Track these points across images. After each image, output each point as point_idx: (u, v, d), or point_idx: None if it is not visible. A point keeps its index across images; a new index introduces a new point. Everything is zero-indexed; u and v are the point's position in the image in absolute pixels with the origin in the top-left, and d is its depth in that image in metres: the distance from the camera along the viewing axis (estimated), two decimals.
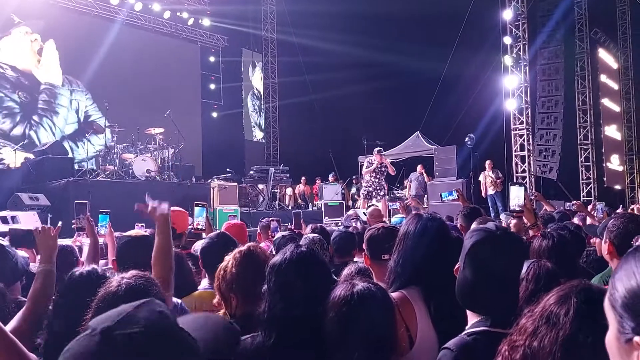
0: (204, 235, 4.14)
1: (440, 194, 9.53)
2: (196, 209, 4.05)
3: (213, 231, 3.95)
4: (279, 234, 3.98)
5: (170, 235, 2.26)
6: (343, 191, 14.12)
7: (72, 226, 3.64)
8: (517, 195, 3.47)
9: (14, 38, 12.97)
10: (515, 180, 14.02)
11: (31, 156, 10.76)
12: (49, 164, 9.66)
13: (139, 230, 2.88)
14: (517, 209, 3.47)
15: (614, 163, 19.33)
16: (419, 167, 13.89)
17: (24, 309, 2.10)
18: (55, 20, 13.40)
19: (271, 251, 3.22)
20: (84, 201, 3.67)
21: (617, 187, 19.37)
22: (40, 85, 13.35)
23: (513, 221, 4.19)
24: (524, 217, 3.64)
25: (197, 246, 3.95)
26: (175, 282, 2.24)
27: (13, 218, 6.72)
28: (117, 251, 2.74)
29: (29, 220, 6.83)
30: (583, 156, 17.45)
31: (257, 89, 19.55)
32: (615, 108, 19.82)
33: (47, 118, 13.28)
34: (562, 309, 1.02)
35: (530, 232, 3.46)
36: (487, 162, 12.73)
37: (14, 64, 12.94)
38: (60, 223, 2.96)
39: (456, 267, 1.62)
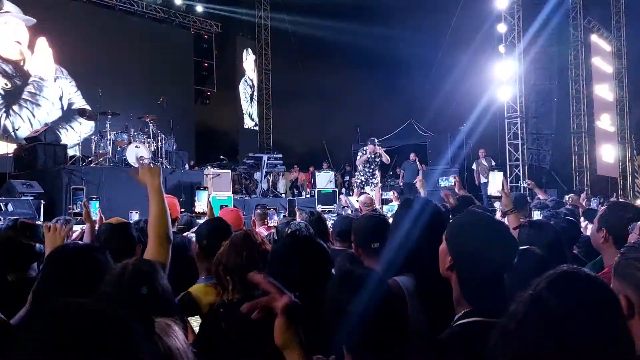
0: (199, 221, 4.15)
1: (437, 179, 9.49)
2: (197, 193, 4.04)
3: (214, 216, 3.94)
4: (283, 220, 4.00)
5: (164, 201, 2.23)
6: (337, 179, 14.16)
7: (69, 211, 3.63)
8: (496, 181, 3.48)
9: (2, 21, 12.69)
10: (508, 169, 14.11)
11: (14, 145, 10.66)
12: (42, 150, 9.60)
13: (119, 218, 2.87)
14: (496, 194, 3.49)
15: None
16: (411, 155, 13.94)
17: (26, 307, 2.09)
18: (46, 6, 13.18)
19: (268, 237, 3.25)
20: (81, 187, 3.66)
21: (609, 173, 19.51)
22: (30, 77, 13.10)
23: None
24: (501, 202, 3.64)
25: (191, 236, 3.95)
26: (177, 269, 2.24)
27: (6, 205, 6.70)
28: (97, 238, 2.73)
29: (22, 207, 6.82)
30: (576, 145, 17.55)
31: (249, 77, 19.43)
32: (609, 97, 19.90)
33: (27, 109, 13.00)
34: (552, 293, 1.03)
35: (509, 219, 3.47)
36: (480, 151, 12.79)
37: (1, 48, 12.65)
38: (71, 222, 2.97)
39: (447, 265, 1.60)
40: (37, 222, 3.35)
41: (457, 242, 1.59)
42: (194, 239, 3.41)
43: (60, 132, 12.89)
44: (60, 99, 13.78)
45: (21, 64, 13.02)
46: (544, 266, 1.91)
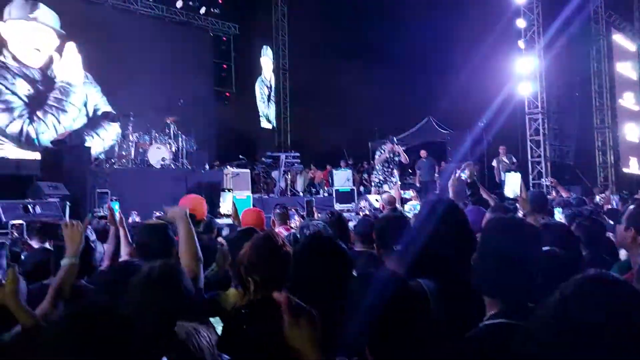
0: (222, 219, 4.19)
1: (455, 170, 9.35)
2: (222, 195, 4.11)
3: (239, 217, 3.98)
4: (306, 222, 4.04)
5: (191, 230, 2.31)
6: (354, 177, 14.13)
7: (94, 215, 3.72)
8: (512, 183, 3.42)
9: (29, 27, 12.73)
10: (530, 165, 13.92)
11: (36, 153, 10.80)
12: (67, 153, 9.80)
13: (158, 220, 2.94)
14: (512, 196, 3.43)
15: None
16: (422, 152, 13.82)
17: (47, 299, 2.18)
18: (69, 11, 13.37)
19: (288, 237, 3.28)
20: (105, 190, 3.75)
21: (633, 154, 18.95)
22: (56, 82, 13.06)
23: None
24: (518, 205, 3.57)
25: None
26: None
27: (34, 207, 6.86)
28: (137, 238, 2.81)
29: (49, 209, 6.98)
30: (599, 140, 17.21)
31: (266, 77, 19.53)
32: (632, 75, 19.39)
33: (52, 115, 12.84)
34: (580, 298, 1.01)
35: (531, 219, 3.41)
36: (501, 148, 12.64)
37: (22, 54, 12.54)
38: (88, 216, 3.05)
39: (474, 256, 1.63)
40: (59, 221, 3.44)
41: (481, 239, 1.61)
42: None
43: (86, 139, 12.93)
44: (85, 104, 13.89)
45: (45, 69, 13.14)
46: (565, 267, 1.91)
